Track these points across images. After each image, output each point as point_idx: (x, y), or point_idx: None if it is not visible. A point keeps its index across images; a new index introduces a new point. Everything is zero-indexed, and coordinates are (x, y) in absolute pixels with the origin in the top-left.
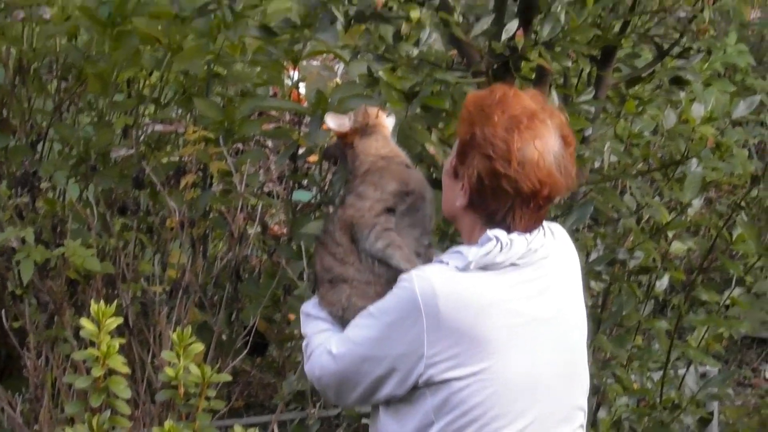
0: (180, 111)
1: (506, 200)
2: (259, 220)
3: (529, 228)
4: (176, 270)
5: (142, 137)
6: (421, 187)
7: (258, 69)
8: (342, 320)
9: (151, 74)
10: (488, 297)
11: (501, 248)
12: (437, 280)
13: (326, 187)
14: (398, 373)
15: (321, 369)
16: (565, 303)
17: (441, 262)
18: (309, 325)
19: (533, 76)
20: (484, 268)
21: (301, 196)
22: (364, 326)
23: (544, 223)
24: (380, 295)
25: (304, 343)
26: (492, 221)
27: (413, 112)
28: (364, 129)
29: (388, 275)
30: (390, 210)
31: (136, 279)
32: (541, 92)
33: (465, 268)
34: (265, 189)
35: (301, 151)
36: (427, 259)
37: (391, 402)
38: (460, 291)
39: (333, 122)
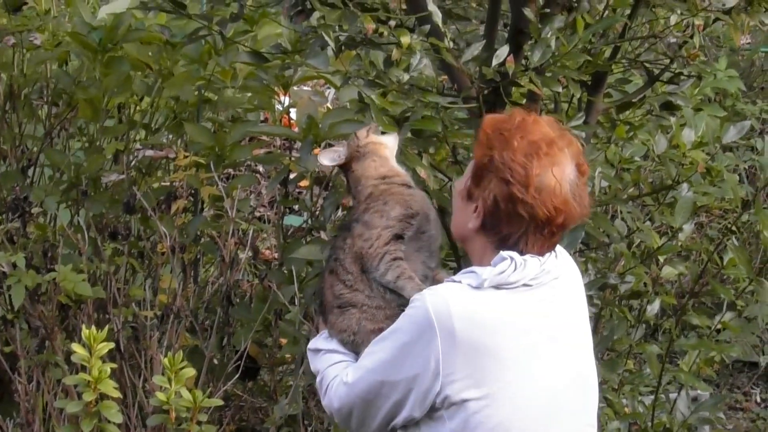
0: (171, 136)
1: (520, 225)
2: (251, 244)
3: (541, 253)
4: (167, 295)
5: (132, 163)
6: (424, 208)
7: (249, 94)
8: (354, 345)
9: (141, 100)
10: (502, 315)
11: (515, 268)
12: (451, 299)
13: (317, 212)
14: (415, 393)
15: (339, 400)
16: (575, 322)
17: (453, 281)
18: (319, 360)
19: (524, 101)
20: (498, 287)
21: (292, 220)
22: (378, 350)
23: None
24: (390, 318)
25: (318, 380)
26: (504, 245)
27: (404, 137)
28: (359, 152)
29: (400, 300)
30: (398, 236)
31: (127, 304)
32: (556, 119)
33: (479, 287)
34: (257, 214)
35: (292, 176)
36: (435, 282)
37: (408, 427)
38: (474, 308)
39: (326, 159)
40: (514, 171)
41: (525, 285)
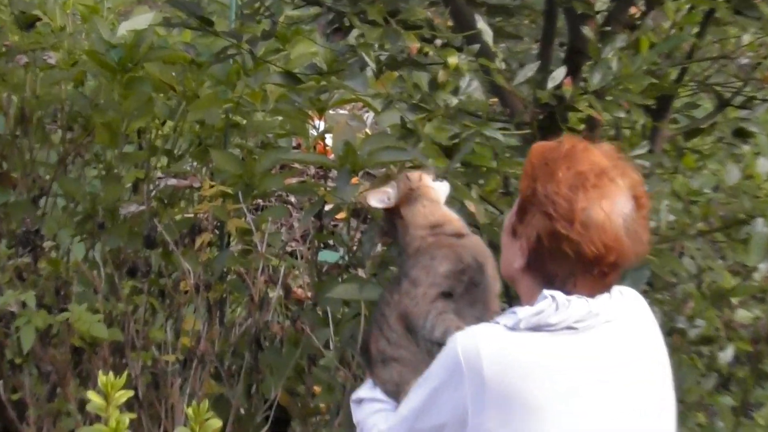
0: (195, 164)
1: (567, 264)
2: (282, 283)
3: (592, 294)
4: (190, 337)
5: (153, 192)
6: (478, 258)
7: (280, 119)
8: (396, 395)
9: (164, 124)
10: (539, 359)
11: (556, 308)
12: (482, 339)
13: (355, 247)
14: None
15: None
16: (635, 369)
17: (494, 322)
18: (361, 410)
19: (582, 127)
20: (536, 328)
21: (328, 256)
22: (411, 398)
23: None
24: None
25: (357, 430)
26: (551, 285)
27: (453, 168)
28: (409, 196)
29: None
30: (446, 294)
31: (147, 347)
32: (617, 147)
33: (514, 327)
34: (288, 249)
35: (327, 207)
36: None
37: None
38: (506, 351)
39: (375, 200)
40: (557, 204)
41: (569, 328)
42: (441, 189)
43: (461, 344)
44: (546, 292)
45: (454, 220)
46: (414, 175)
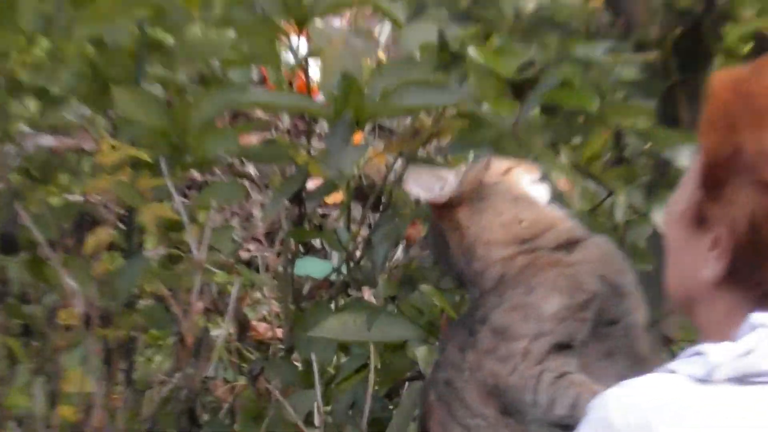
0: (87, 112)
1: None
2: (232, 312)
3: None
4: (76, 405)
5: (15, 160)
6: (610, 277)
7: (233, 35)
8: None
9: (32, 42)
10: (746, 428)
11: None
12: (652, 403)
13: (358, 252)
14: None
15: None
16: None
17: (667, 371)
18: None
19: (745, 50)
20: (742, 379)
21: (312, 268)
22: None
23: None
24: None
25: None
26: (765, 306)
27: (527, 115)
28: (476, 194)
29: None
30: (562, 346)
31: (2, 421)
32: None
33: (707, 378)
34: (244, 255)
35: (311, 185)
36: None
37: None
38: (698, 420)
39: (420, 187)
40: None
41: None
42: (542, 193)
43: (614, 409)
44: (755, 318)
45: (557, 221)
46: (499, 165)
